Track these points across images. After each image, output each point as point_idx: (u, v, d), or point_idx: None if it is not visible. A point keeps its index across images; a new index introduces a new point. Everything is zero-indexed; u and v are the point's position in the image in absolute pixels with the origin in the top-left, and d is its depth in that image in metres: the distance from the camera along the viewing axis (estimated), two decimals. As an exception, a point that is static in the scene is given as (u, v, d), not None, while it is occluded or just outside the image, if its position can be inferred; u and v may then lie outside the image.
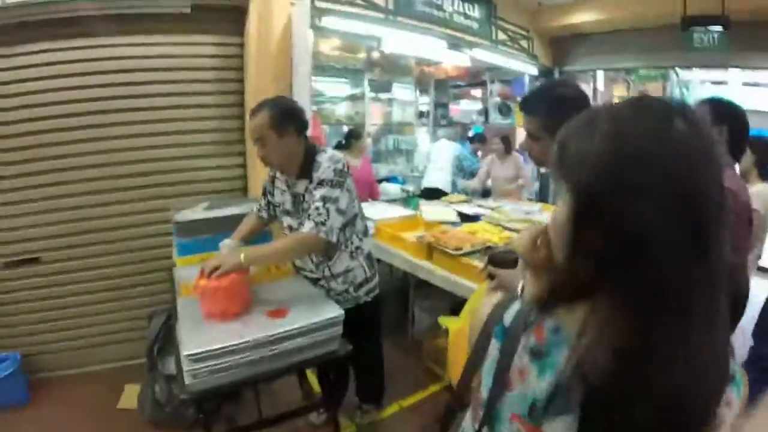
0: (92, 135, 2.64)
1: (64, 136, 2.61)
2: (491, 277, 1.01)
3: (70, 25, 2.41)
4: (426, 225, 3.10)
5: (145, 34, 2.57)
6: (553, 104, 1.24)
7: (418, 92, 6.21)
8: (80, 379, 2.82)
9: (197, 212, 2.45)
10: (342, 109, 5.32)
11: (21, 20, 2.32)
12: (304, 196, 1.80)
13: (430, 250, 2.56)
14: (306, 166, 1.79)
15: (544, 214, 3.40)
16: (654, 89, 12.65)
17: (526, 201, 4.22)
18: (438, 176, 4.98)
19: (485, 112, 6.01)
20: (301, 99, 2.82)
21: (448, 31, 4.04)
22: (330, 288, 1.91)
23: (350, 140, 4.09)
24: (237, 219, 2.26)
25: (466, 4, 4.34)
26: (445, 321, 1.64)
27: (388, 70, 5.64)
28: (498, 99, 5.70)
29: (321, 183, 1.74)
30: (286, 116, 1.74)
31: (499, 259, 1.01)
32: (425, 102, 6.30)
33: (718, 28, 4.09)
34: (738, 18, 3.83)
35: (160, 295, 2.82)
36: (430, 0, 4.07)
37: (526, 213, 3.31)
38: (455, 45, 4.08)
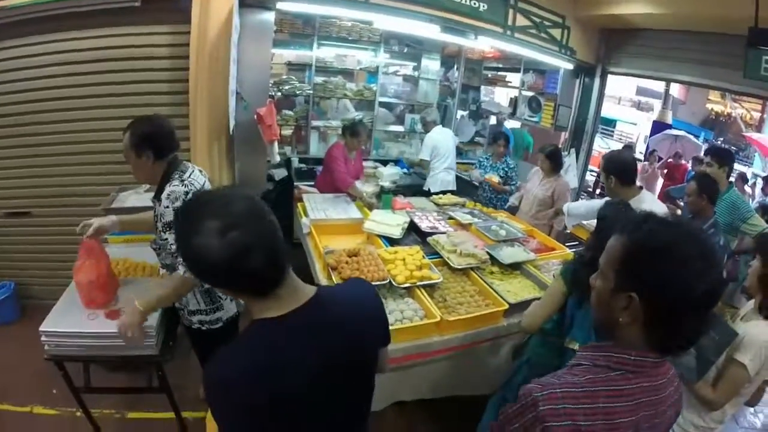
0: (67, 117, 3.24)
1: (46, 117, 3.25)
2: None
3: (34, 23, 2.94)
4: (367, 236, 3.16)
5: (99, 28, 2.99)
6: None
7: (455, 70, 6.07)
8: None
9: (131, 196, 3.02)
10: (353, 83, 5.42)
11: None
12: (157, 216, 2.00)
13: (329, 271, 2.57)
14: (159, 190, 1.98)
15: (512, 248, 3.09)
16: (752, 107, 10.38)
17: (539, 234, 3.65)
18: (448, 177, 4.79)
19: (514, 104, 5.65)
20: (248, 85, 3.17)
21: (441, 14, 3.71)
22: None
23: (345, 134, 4.02)
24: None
25: (471, -20, 3.77)
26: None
27: (410, 44, 5.56)
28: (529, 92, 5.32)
29: (168, 226, 1.90)
30: (144, 140, 1.91)
31: None
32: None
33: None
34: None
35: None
36: (417, -26, 3.57)
37: (474, 245, 2.98)
38: (453, 29, 3.84)
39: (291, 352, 0.95)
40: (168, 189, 1.91)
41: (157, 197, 1.99)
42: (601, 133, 12.39)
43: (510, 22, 4.11)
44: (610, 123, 12.62)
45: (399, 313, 2.24)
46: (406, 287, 2.46)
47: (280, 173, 4.46)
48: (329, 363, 1.00)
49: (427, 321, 2.24)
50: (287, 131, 5.16)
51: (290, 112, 5.13)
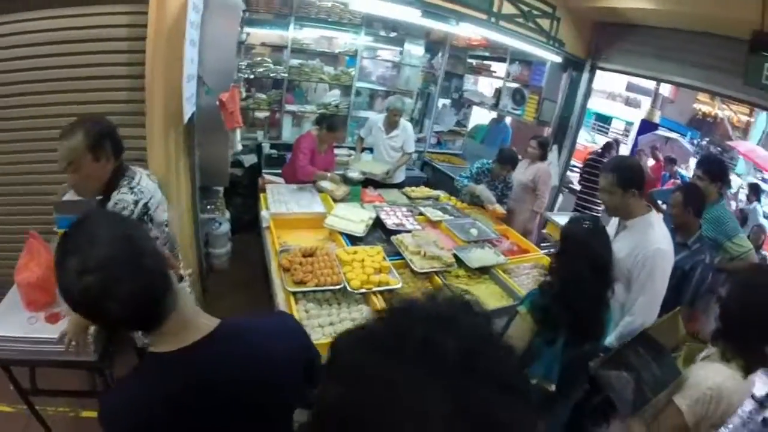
0: (16, 102, 3.06)
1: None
2: None
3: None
4: (330, 232, 3.07)
5: (52, 8, 2.81)
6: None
7: (439, 57, 5.94)
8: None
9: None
10: (331, 67, 5.28)
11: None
12: None
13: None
14: (105, 198, 1.85)
15: (482, 250, 3.05)
16: (739, 110, 10.31)
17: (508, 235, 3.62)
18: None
19: (498, 95, 5.55)
20: (211, 69, 3.05)
21: (422, -4, 3.56)
22: None
23: (321, 127, 3.87)
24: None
25: (456, -37, 3.58)
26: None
27: (394, 28, 5.41)
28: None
29: None
30: (104, 138, 1.79)
31: None
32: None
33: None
34: None
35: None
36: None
37: (441, 247, 2.89)
38: (434, 14, 3.71)
39: (169, 389, 0.91)
40: (116, 197, 1.81)
41: (102, 206, 1.86)
42: (597, 130, 12.39)
43: (495, 9, 3.97)
44: (607, 120, 12.67)
45: (350, 322, 2.19)
46: (362, 293, 2.40)
47: (249, 159, 4.34)
48: (219, 404, 0.94)
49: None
50: (261, 115, 5.02)
51: (263, 96, 4.96)
